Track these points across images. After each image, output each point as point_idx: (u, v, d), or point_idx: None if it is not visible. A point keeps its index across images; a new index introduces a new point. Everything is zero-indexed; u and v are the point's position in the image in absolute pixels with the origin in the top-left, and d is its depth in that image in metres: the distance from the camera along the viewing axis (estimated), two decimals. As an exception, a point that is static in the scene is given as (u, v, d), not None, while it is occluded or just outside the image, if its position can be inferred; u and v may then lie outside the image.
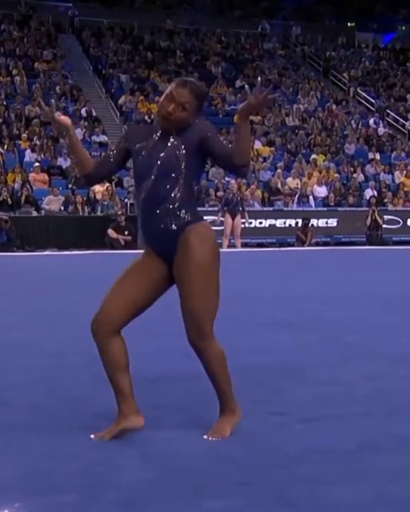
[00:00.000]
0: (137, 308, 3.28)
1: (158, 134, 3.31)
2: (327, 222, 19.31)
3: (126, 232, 16.41)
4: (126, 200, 18.24)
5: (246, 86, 3.24)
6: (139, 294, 3.24)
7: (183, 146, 3.23)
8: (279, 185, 20.48)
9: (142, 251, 3.41)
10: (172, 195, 3.23)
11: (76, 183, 18.65)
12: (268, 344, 5.55)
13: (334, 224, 19.32)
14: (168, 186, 3.23)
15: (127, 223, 16.49)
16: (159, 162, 3.23)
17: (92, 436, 3.31)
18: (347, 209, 19.93)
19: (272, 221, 18.81)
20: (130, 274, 3.27)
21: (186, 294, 3.18)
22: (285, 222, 18.96)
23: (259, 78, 3.30)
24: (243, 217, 16.63)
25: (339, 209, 19.90)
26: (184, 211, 3.24)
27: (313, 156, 22.92)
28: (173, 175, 3.22)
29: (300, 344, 5.53)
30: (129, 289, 3.23)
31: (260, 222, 18.57)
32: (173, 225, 3.22)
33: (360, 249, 17.57)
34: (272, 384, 4.31)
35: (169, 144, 3.26)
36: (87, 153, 3.57)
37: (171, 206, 3.22)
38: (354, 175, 22.37)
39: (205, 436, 3.29)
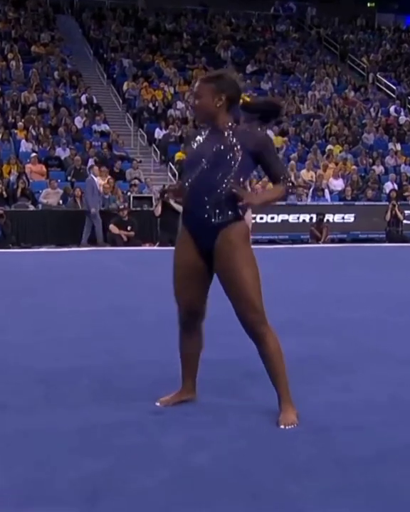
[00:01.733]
0: (206, 297, 3.86)
1: (208, 130, 3.81)
2: (343, 218, 19.30)
3: (128, 228, 16.43)
4: (128, 193, 18.27)
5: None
6: (204, 286, 3.81)
7: (240, 146, 3.66)
8: (292, 178, 20.49)
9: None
10: (222, 185, 3.64)
11: (75, 175, 18.68)
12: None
13: (351, 219, 19.29)
14: (219, 176, 3.64)
15: (129, 218, 16.52)
16: (213, 150, 3.66)
17: (157, 403, 3.93)
18: (365, 203, 19.90)
19: (284, 216, 18.80)
20: (184, 274, 3.77)
21: (240, 283, 3.63)
22: (298, 218, 18.95)
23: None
24: (253, 212, 16.65)
25: (357, 203, 19.87)
26: (228, 207, 3.67)
27: (329, 146, 22.89)
28: (225, 166, 3.65)
29: (312, 347, 5.54)
30: (183, 274, 3.77)
31: (272, 218, 18.56)
32: (216, 219, 3.66)
33: (379, 246, 17.56)
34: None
35: (226, 138, 3.69)
36: None
37: (217, 197, 3.64)
38: (373, 167, 22.32)
39: (282, 426, 3.63)
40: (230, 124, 3.75)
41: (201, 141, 3.79)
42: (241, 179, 3.73)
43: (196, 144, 3.81)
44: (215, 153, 3.67)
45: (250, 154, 3.69)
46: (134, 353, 5.28)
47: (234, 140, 3.69)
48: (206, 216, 3.66)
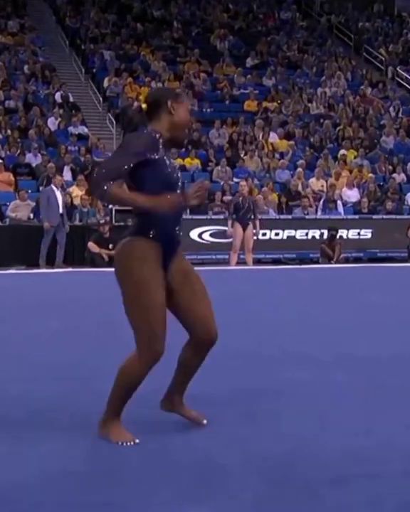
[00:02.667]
0: None
1: (162, 145, 4.17)
2: (359, 234, 19.36)
3: (110, 246, 16.43)
4: (110, 206, 18.29)
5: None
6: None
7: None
8: (300, 188, 20.55)
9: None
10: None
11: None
12: (284, 384, 5.56)
13: (368, 235, 19.36)
14: None
15: (111, 235, 16.53)
16: (178, 175, 4.25)
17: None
18: (384, 217, 19.98)
19: (291, 232, 18.85)
20: (160, 299, 4.10)
21: (203, 293, 4.27)
22: (307, 234, 19.00)
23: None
24: (255, 227, 16.68)
25: (375, 217, 19.94)
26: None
27: (342, 151, 23.01)
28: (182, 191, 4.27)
29: (324, 384, 5.52)
30: (165, 314, 4.13)
31: (277, 234, 18.61)
32: (179, 237, 4.27)
33: (401, 266, 17.60)
34: (290, 433, 4.31)
35: (174, 162, 4.26)
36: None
37: (181, 219, 4.31)
38: (393, 175, 22.44)
39: (205, 421, 4.34)
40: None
41: (166, 160, 4.17)
42: None
43: (164, 162, 4.15)
44: (180, 179, 4.24)
45: None
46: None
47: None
48: (178, 235, 4.26)
